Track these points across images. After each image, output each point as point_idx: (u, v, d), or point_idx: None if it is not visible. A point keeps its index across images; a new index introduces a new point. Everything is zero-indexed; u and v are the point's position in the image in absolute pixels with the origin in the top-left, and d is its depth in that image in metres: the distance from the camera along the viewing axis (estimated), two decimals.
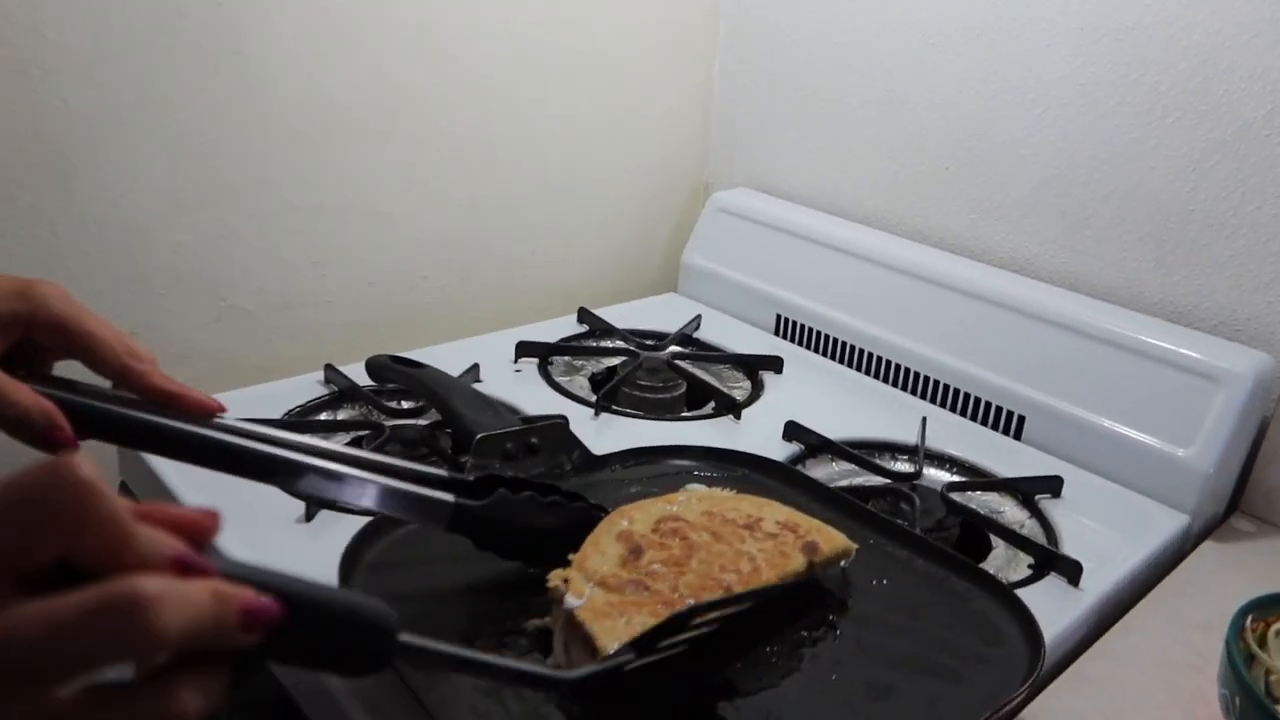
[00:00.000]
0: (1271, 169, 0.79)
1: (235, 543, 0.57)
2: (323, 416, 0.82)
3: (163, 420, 0.47)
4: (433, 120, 0.97)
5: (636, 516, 0.59)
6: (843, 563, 0.60)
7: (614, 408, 0.87)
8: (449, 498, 0.54)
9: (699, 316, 1.07)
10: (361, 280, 0.98)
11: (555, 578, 0.53)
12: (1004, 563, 0.70)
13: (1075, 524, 0.74)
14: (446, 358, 0.86)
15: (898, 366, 0.96)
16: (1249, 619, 0.58)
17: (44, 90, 0.76)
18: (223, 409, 0.49)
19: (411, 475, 0.54)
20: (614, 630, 0.50)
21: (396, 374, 0.83)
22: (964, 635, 0.57)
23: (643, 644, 0.46)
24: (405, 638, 0.33)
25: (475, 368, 0.89)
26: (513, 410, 0.83)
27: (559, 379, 0.92)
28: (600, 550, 0.56)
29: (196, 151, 0.84)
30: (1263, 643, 0.59)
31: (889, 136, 1.04)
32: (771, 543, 0.58)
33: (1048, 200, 0.93)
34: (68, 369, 0.48)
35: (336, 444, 0.55)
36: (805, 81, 1.10)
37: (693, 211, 1.21)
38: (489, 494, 0.56)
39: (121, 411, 0.47)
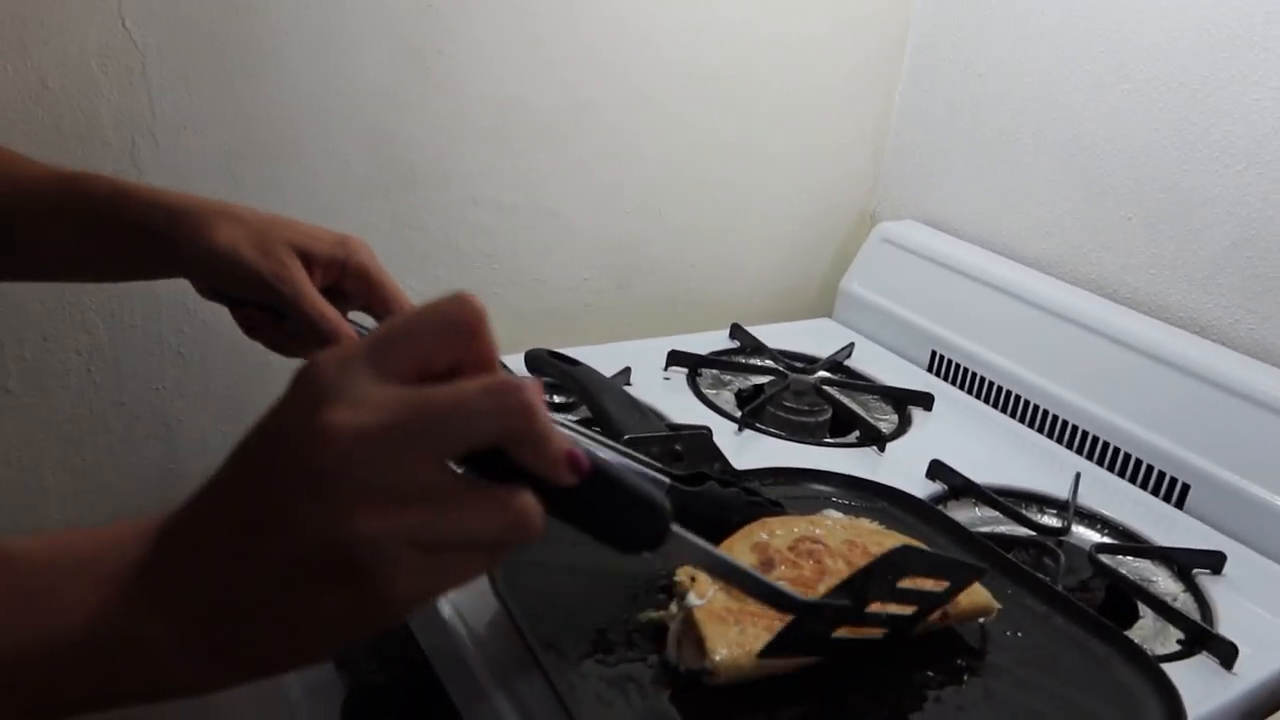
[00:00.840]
0: None
1: None
2: None
3: None
4: (613, 131, 1.01)
5: (777, 531, 0.60)
6: (981, 619, 0.59)
7: (758, 425, 0.88)
8: (665, 478, 0.60)
9: (852, 344, 1.06)
10: (527, 275, 1.02)
11: (683, 573, 0.55)
12: (1151, 635, 0.67)
13: (1235, 605, 0.70)
14: (600, 358, 0.89)
15: (1055, 417, 0.93)
16: None
17: (267, 72, 0.83)
18: None
19: (630, 456, 0.60)
20: (725, 636, 0.51)
21: (553, 369, 0.87)
22: (1098, 702, 0.55)
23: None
24: (675, 528, 0.36)
25: (627, 371, 0.91)
26: (659, 416, 0.85)
27: (706, 391, 0.94)
28: (734, 555, 0.57)
29: (394, 142, 0.91)
30: None
31: (1070, 180, 1.01)
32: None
33: (1238, 262, 0.88)
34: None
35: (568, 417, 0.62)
36: (987, 118, 1.08)
37: (856, 239, 1.21)
38: (699, 484, 0.62)
39: None
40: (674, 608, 0.54)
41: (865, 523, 0.65)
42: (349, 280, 0.58)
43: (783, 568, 0.57)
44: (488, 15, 0.90)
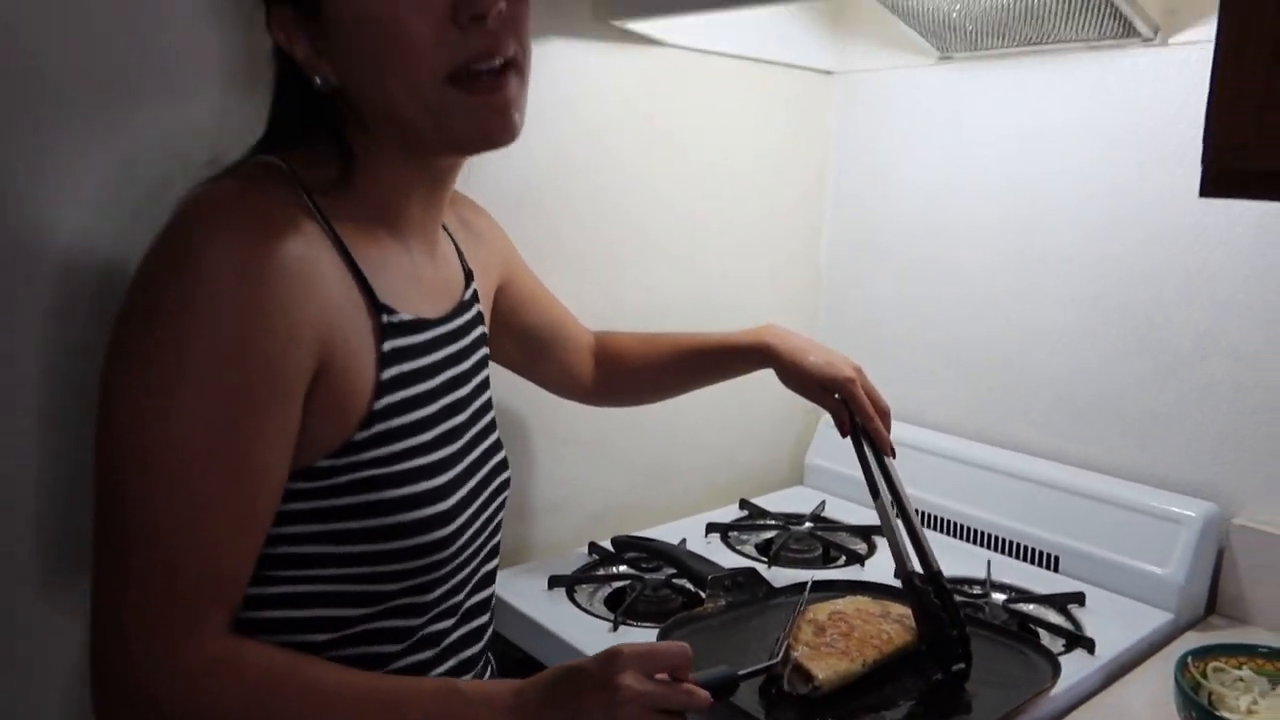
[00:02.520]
0: (1203, 384, 1.23)
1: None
2: (599, 573, 1.27)
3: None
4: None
5: (818, 612, 1.02)
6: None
7: (778, 563, 1.30)
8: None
9: (824, 501, 1.51)
10: (591, 500, 1.45)
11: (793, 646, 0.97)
12: (1047, 643, 1.10)
13: (1094, 621, 1.15)
14: (661, 534, 1.32)
15: (968, 528, 1.39)
16: (1190, 659, 0.98)
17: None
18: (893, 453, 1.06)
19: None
20: (818, 665, 0.92)
21: (637, 544, 1.30)
22: (1020, 670, 0.98)
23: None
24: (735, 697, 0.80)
25: (684, 540, 1.34)
26: (715, 564, 1.27)
27: (737, 546, 1.37)
28: (802, 628, 0.99)
29: (591, 221, 1.34)
30: (1204, 676, 0.98)
31: (952, 367, 1.51)
32: (896, 625, 1.01)
33: (1062, 410, 1.38)
34: None
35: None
36: (895, 330, 1.59)
37: (811, 425, 1.68)
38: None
39: None
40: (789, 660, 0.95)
41: (861, 598, 1.08)
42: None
43: (830, 630, 0.99)
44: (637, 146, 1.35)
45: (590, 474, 1.43)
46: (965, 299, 1.48)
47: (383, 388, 0.73)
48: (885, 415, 1.08)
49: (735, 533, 1.42)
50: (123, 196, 0.91)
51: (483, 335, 0.92)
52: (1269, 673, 0.99)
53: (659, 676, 0.70)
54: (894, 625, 1.01)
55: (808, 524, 1.43)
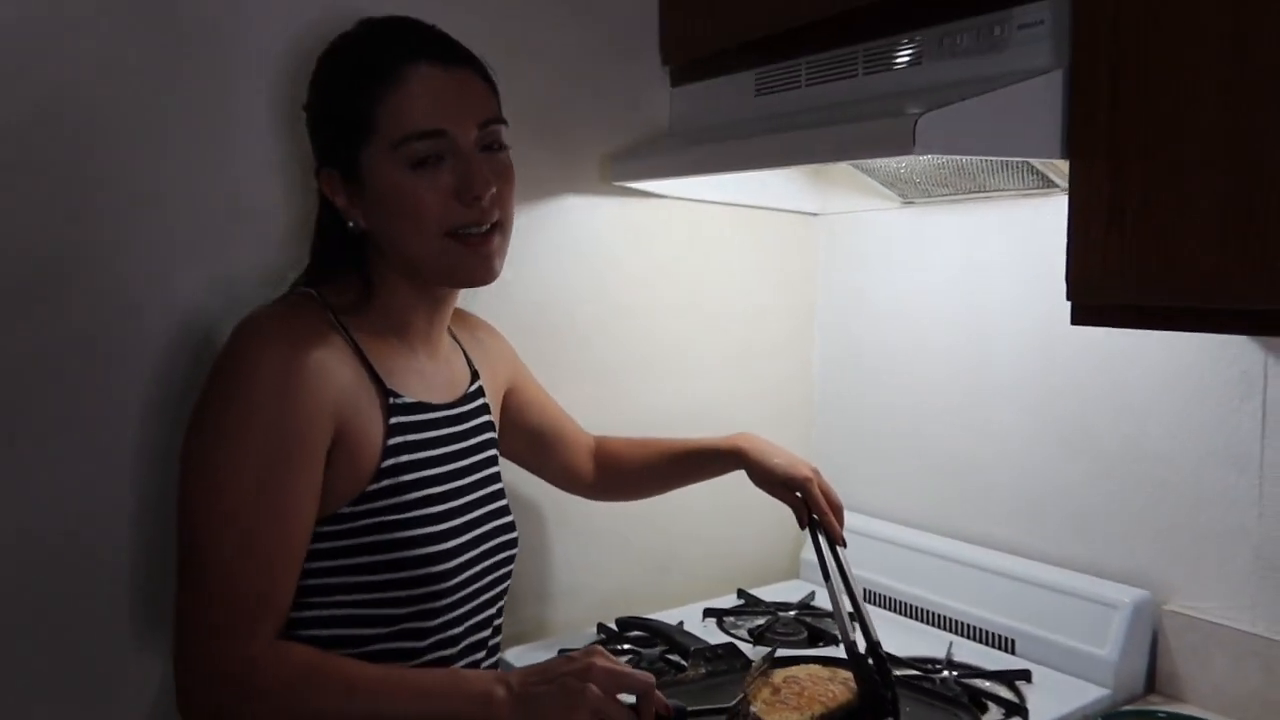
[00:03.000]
0: (1131, 483, 1.40)
1: None
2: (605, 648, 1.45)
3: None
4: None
5: (775, 677, 1.20)
6: None
7: (763, 642, 1.47)
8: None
9: (813, 592, 1.68)
10: (603, 585, 1.64)
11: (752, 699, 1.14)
12: (995, 715, 1.25)
13: (1036, 694, 1.30)
14: (662, 618, 1.50)
15: (935, 614, 1.55)
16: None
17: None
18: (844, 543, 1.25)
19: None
20: (773, 715, 1.10)
21: (638, 625, 1.48)
22: None
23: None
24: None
25: (681, 623, 1.52)
26: (703, 641, 1.44)
27: (731, 630, 1.54)
28: (760, 690, 1.17)
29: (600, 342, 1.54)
30: None
31: (923, 470, 1.69)
32: (840, 686, 1.18)
33: (1016, 510, 1.54)
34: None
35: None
36: (878, 434, 1.78)
37: None
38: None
39: None
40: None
41: (815, 666, 1.26)
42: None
43: (785, 689, 1.17)
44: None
45: (602, 562, 1.63)
46: (930, 406, 1.67)
47: (389, 450, 0.98)
48: (839, 510, 1.28)
49: (730, 617, 1.59)
50: (210, 304, 1.19)
51: (488, 423, 1.17)
52: None
53: (620, 696, 0.90)
54: (839, 686, 1.18)
55: (794, 611, 1.60)
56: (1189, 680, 1.33)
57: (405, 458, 1.00)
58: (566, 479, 1.39)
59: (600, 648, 0.92)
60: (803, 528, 1.27)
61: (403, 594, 0.98)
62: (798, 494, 1.27)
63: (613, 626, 1.51)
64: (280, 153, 1.23)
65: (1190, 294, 0.97)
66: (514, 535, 1.14)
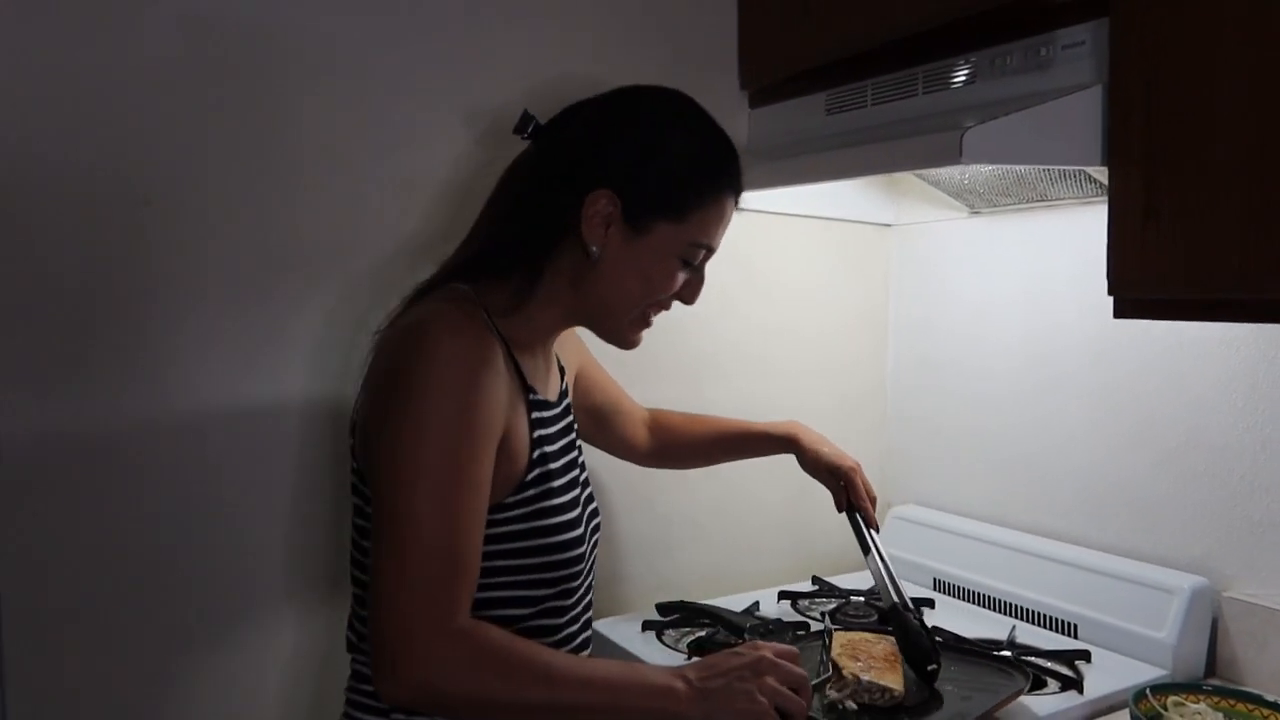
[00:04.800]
0: (1190, 474, 1.46)
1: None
2: (670, 631, 1.58)
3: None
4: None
5: (844, 641, 1.31)
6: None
7: (835, 624, 1.58)
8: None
9: None
10: (691, 555, 1.77)
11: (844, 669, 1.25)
12: (1053, 687, 1.33)
13: (1094, 672, 1.37)
14: (739, 600, 1.62)
15: (1002, 600, 1.62)
16: (1149, 692, 1.20)
17: None
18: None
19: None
20: (888, 679, 1.20)
21: (696, 610, 1.59)
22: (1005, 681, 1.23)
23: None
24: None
25: (757, 603, 1.63)
26: (761, 618, 1.56)
27: (805, 612, 1.65)
28: (842, 660, 1.27)
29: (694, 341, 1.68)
30: (1164, 708, 1.19)
31: (990, 463, 1.77)
32: (888, 644, 1.29)
33: (1079, 504, 1.61)
34: None
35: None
36: (946, 430, 1.87)
37: (879, 518, 1.94)
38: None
39: None
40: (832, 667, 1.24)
41: (850, 634, 1.36)
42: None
43: (858, 649, 1.28)
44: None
45: (680, 545, 1.76)
46: (996, 404, 1.75)
47: (535, 443, 1.06)
48: (874, 500, 1.43)
49: (804, 601, 1.70)
50: (331, 336, 1.37)
51: (573, 410, 1.30)
52: (1225, 709, 1.19)
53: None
54: (886, 643, 1.31)
55: (863, 597, 1.70)
56: (1247, 664, 1.38)
57: (546, 449, 1.08)
58: (624, 449, 1.50)
59: (763, 642, 1.01)
60: (840, 510, 1.42)
61: (549, 575, 1.05)
62: (840, 482, 1.40)
63: (690, 603, 1.63)
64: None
65: (1221, 287, 1.05)
66: (600, 515, 1.26)
